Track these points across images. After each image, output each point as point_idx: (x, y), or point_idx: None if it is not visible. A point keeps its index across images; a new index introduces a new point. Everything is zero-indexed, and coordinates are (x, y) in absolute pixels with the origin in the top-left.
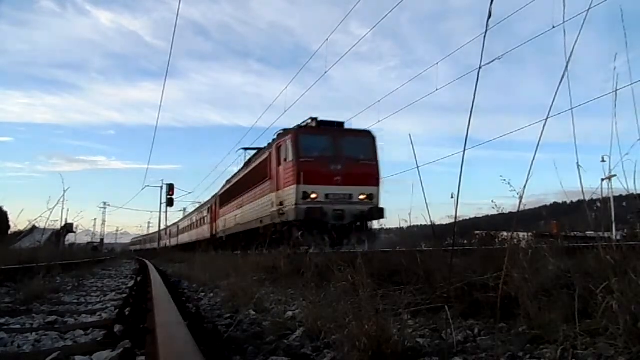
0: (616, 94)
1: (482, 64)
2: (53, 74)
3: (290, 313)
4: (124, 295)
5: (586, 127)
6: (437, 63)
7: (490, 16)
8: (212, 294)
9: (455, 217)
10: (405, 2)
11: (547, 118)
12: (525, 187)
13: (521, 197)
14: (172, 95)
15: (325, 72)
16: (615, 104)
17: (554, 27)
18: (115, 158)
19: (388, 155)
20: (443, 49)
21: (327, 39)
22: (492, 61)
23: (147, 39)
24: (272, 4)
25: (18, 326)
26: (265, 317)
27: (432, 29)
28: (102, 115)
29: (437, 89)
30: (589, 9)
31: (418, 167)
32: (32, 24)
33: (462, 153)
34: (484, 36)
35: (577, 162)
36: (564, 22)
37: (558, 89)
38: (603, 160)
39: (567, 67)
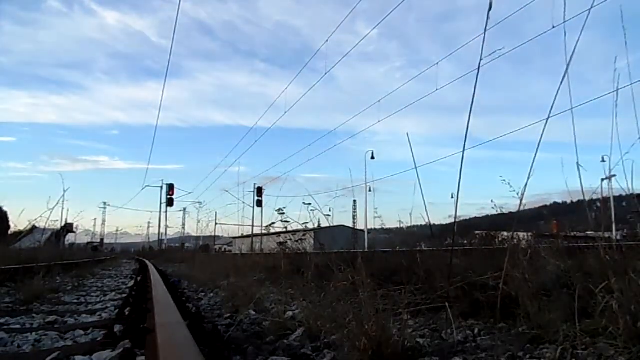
0: (617, 93)
1: (484, 58)
2: (58, 74)
3: (290, 313)
4: (124, 295)
5: (595, 126)
6: (437, 63)
7: (490, 7)
8: (212, 294)
9: (455, 217)
10: (412, 2)
11: (548, 118)
12: (525, 186)
13: (522, 198)
14: (177, 95)
15: (326, 73)
16: (615, 104)
17: (553, 27)
18: (117, 158)
19: (390, 156)
20: (449, 49)
21: (327, 40)
22: (493, 53)
23: (153, 39)
24: (278, 3)
25: (18, 326)
26: (265, 317)
27: (439, 29)
28: (106, 115)
29: (437, 89)
30: (590, 8)
31: (416, 167)
32: (37, 24)
33: (462, 153)
34: (485, 28)
35: (577, 162)
36: (564, 21)
37: (559, 88)
38: (603, 160)
39: (568, 67)
